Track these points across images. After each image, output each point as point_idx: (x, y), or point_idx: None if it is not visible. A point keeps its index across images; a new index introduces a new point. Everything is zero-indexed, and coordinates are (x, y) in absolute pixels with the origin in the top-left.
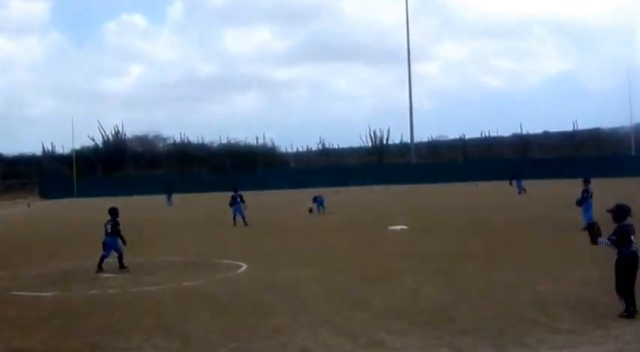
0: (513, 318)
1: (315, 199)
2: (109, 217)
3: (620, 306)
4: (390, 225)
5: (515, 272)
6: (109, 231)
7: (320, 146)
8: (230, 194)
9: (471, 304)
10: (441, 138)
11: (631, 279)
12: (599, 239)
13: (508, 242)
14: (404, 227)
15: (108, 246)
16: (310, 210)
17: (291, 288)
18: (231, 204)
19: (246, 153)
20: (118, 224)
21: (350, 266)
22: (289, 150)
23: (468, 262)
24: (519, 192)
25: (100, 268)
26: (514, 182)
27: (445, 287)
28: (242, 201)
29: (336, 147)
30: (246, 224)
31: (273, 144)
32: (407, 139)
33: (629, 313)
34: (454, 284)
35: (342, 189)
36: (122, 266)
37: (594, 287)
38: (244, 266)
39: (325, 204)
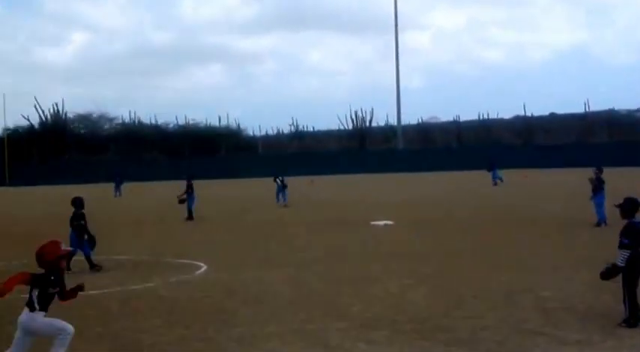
0: (514, 328)
1: (278, 180)
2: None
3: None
4: (373, 219)
5: (516, 275)
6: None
7: (292, 128)
8: (185, 183)
9: (466, 311)
10: (433, 121)
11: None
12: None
13: (506, 239)
14: (388, 222)
15: (72, 243)
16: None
17: (257, 292)
18: (186, 195)
19: (206, 136)
20: (84, 217)
21: (326, 268)
22: (257, 132)
23: (461, 263)
24: (494, 183)
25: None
26: (491, 172)
27: (435, 291)
28: (190, 191)
29: (312, 129)
30: (191, 218)
31: (238, 125)
32: (393, 121)
33: (629, 323)
34: (445, 288)
35: (317, 178)
36: (92, 266)
37: (605, 292)
38: (204, 267)
39: (287, 193)
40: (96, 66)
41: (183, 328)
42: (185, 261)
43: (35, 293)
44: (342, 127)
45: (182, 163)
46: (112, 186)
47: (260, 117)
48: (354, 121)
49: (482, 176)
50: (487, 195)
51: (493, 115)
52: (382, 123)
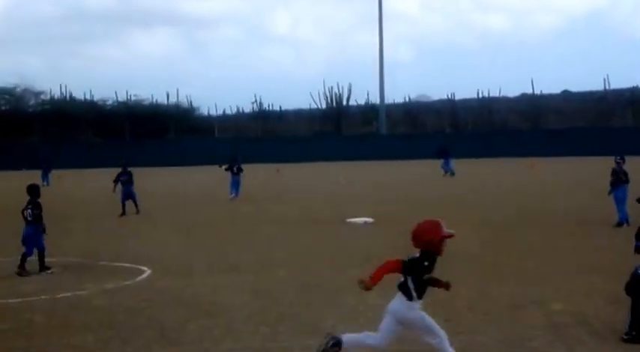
0: (517, 346)
1: (233, 167)
2: (28, 198)
3: None
4: (350, 216)
5: (520, 284)
6: (29, 218)
7: (255, 107)
8: (118, 171)
9: (459, 326)
10: (423, 100)
11: None
12: None
13: (510, 241)
14: (368, 220)
15: (28, 240)
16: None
17: (210, 303)
18: (121, 182)
19: (152, 116)
20: (39, 207)
21: (292, 274)
22: (213, 112)
23: (455, 269)
24: (445, 173)
25: (22, 268)
26: (442, 161)
27: (423, 302)
28: (130, 181)
29: (278, 109)
30: (138, 211)
31: (190, 103)
32: (375, 100)
33: (632, 337)
34: (436, 298)
35: (285, 167)
36: (43, 268)
37: (625, 305)
38: (147, 272)
39: (241, 182)
40: (18, 32)
41: (120, 344)
42: (124, 264)
43: (410, 280)
44: (314, 107)
45: (123, 147)
46: (38, 173)
47: (216, 95)
48: (329, 100)
49: (481, 166)
50: (486, 190)
51: (495, 93)
52: (362, 102)
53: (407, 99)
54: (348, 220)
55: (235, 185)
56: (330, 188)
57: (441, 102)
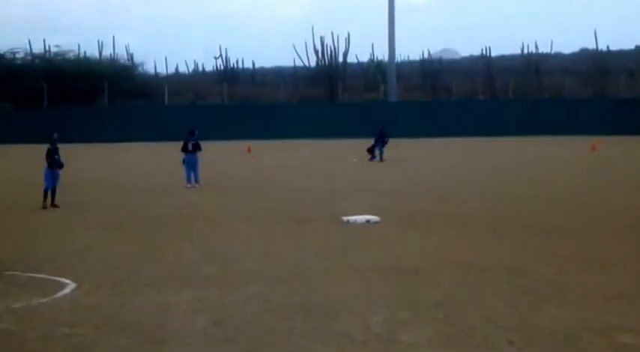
0: None
1: (188, 144)
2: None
3: None
4: (348, 213)
5: (580, 308)
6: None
7: (220, 65)
8: (47, 146)
9: None
10: (447, 57)
11: None
12: None
13: (566, 251)
14: (372, 218)
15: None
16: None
17: (156, 328)
18: (49, 164)
19: (79, 74)
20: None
21: (267, 289)
22: (162, 70)
23: (486, 285)
24: (372, 158)
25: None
26: (377, 147)
27: (443, 330)
28: (59, 162)
29: (250, 67)
30: (54, 204)
31: (130, 58)
32: (383, 56)
33: None
34: (461, 326)
35: (258, 145)
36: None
37: None
38: (70, 285)
39: (199, 167)
40: None
41: None
42: (40, 275)
43: None
44: (299, 64)
45: (39, 116)
46: None
47: (167, 46)
48: (320, 55)
49: (525, 147)
50: (531, 181)
51: (545, 49)
52: (364, 60)
53: (425, 56)
54: (345, 219)
55: (191, 168)
56: (320, 175)
57: (472, 59)
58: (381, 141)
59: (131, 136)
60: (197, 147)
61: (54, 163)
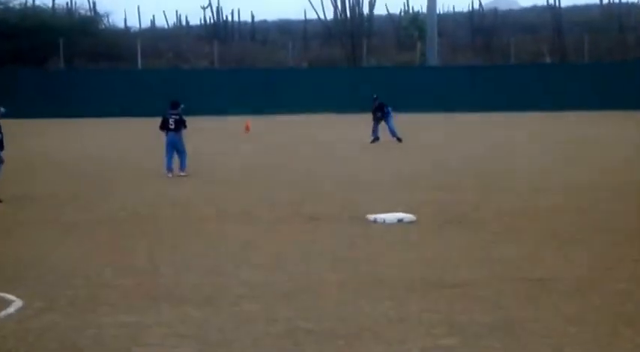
0: None
1: (169, 120)
2: None
3: None
4: (375, 210)
5: None
6: None
7: (209, 17)
8: None
9: None
10: (503, 8)
11: None
12: None
13: None
14: (407, 217)
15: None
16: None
17: None
18: None
19: (27, 29)
20: None
21: (268, 309)
22: (134, 23)
23: (557, 303)
24: (373, 139)
25: None
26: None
27: None
28: None
29: (248, 21)
30: None
31: (92, 7)
32: (420, 7)
33: None
34: None
35: (259, 120)
36: None
37: None
38: (17, 303)
39: (184, 150)
40: None
41: None
42: None
43: None
44: (311, 17)
45: None
46: None
47: None
48: (338, 5)
49: (610, 125)
50: (613, 164)
51: None
52: (395, 11)
53: (475, 6)
54: (371, 217)
55: (173, 150)
56: (337, 159)
57: (536, 11)
58: (383, 116)
59: (94, 109)
60: (180, 124)
61: None
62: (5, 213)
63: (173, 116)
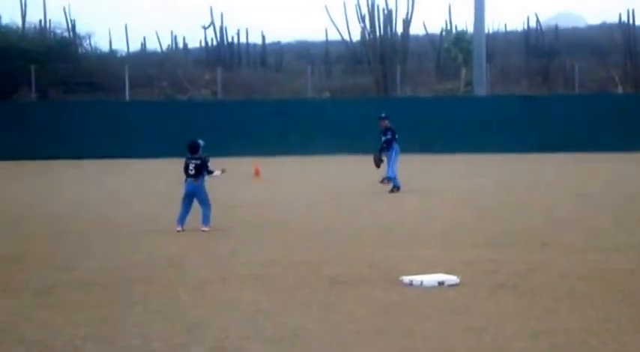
0: None
1: (189, 165)
2: None
3: None
4: (409, 271)
5: None
6: None
7: (210, 39)
8: None
9: None
10: (565, 26)
11: None
12: None
13: None
14: (448, 279)
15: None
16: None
17: None
18: None
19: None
20: None
21: None
22: (120, 46)
23: None
24: (383, 180)
25: None
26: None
27: None
28: None
29: (258, 42)
30: None
31: (71, 27)
32: (465, 25)
33: None
34: None
35: (271, 163)
36: None
37: None
38: None
39: (207, 200)
40: None
41: None
42: None
43: None
44: (334, 38)
45: None
46: None
47: (127, 10)
48: (367, 24)
49: None
50: None
51: None
52: (435, 31)
53: (531, 24)
54: (405, 279)
55: (191, 202)
56: (364, 209)
57: (605, 29)
58: (387, 145)
59: (72, 148)
60: (201, 169)
61: None
62: None
63: (193, 161)
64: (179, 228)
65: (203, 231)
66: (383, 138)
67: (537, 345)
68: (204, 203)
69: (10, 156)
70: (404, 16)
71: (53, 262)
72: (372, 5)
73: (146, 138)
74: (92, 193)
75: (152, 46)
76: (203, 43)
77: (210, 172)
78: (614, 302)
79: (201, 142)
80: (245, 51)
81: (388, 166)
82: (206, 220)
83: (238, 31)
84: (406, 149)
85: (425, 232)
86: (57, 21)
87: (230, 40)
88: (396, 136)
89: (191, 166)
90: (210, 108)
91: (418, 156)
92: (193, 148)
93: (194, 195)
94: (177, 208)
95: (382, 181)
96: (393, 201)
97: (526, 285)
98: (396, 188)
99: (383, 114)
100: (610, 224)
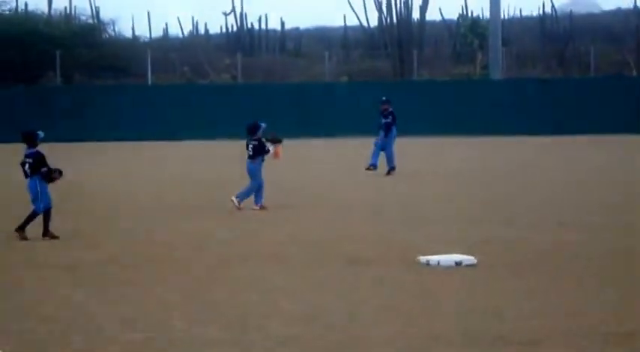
0: None
1: (248, 145)
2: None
3: None
4: (427, 252)
5: None
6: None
7: (231, 25)
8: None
9: None
10: (580, 11)
11: None
12: None
13: None
14: (465, 259)
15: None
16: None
17: None
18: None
19: (18, 39)
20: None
21: None
22: (143, 32)
23: None
24: (370, 166)
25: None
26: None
27: None
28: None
29: (277, 28)
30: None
31: (95, 14)
32: (480, 11)
33: None
34: None
35: (291, 145)
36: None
37: None
38: None
39: (260, 180)
40: None
41: None
42: None
43: None
44: (352, 24)
45: None
46: None
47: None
48: (384, 10)
49: None
50: None
51: None
52: (451, 16)
53: (547, 9)
54: (422, 259)
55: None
56: (380, 190)
57: (620, 14)
58: (389, 135)
59: (96, 131)
60: (259, 150)
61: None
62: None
63: (252, 142)
64: (237, 204)
65: (254, 209)
66: (383, 121)
67: (554, 325)
68: (253, 180)
69: (52, 138)
70: (420, 2)
71: (79, 241)
72: None
73: (167, 121)
74: (113, 174)
75: (174, 32)
76: (224, 29)
77: (267, 151)
78: (632, 282)
79: (262, 125)
80: (265, 36)
81: (375, 152)
82: (257, 199)
83: (259, 17)
84: (423, 132)
85: (442, 212)
86: (82, 8)
87: (250, 26)
88: (396, 121)
89: (250, 147)
90: (230, 92)
91: (434, 139)
92: (251, 130)
93: (249, 173)
94: (195, 190)
95: (388, 173)
96: (410, 182)
97: (544, 264)
98: (392, 169)
99: (384, 98)
100: (623, 202)
